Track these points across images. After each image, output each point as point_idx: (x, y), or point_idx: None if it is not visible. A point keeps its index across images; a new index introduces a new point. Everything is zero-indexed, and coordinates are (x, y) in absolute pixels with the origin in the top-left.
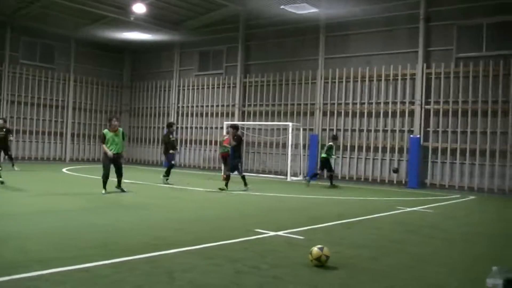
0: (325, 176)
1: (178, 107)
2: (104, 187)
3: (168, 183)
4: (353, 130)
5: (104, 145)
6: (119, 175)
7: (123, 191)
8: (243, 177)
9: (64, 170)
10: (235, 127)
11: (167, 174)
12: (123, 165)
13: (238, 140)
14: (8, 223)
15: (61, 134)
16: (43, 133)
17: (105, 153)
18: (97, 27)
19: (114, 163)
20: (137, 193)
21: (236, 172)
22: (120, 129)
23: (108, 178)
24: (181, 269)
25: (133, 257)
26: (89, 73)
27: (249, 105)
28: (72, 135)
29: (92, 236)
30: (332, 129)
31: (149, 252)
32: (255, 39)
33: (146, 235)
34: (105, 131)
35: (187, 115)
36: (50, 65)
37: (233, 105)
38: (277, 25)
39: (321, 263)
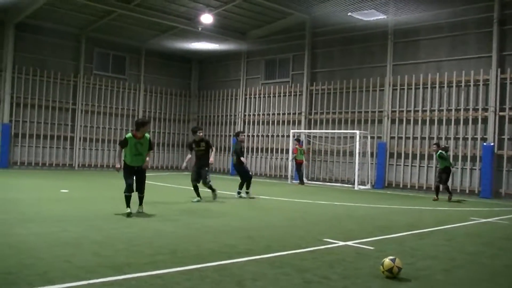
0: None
1: (244, 116)
2: (128, 205)
3: (251, 196)
4: (423, 138)
5: (119, 150)
6: (141, 192)
7: (140, 211)
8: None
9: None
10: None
11: (248, 187)
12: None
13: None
14: (79, 229)
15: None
16: (115, 141)
17: (119, 165)
18: (166, 38)
19: (137, 176)
20: (204, 200)
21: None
22: (147, 135)
23: (131, 193)
24: (250, 277)
25: (203, 264)
26: (158, 82)
27: (316, 113)
28: None
29: (160, 242)
30: (401, 137)
31: (219, 260)
32: (322, 46)
33: (214, 242)
34: (129, 135)
35: (253, 123)
36: (122, 75)
37: (300, 113)
38: (343, 32)
39: (393, 274)
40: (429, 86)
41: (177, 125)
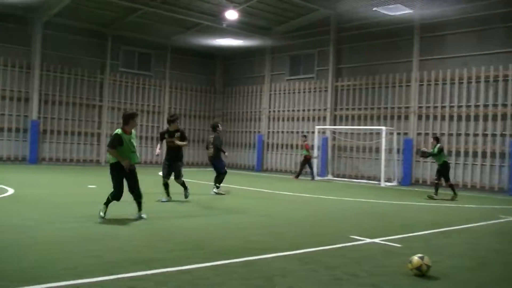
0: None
1: (269, 112)
2: (107, 208)
3: (220, 193)
4: (450, 134)
5: (114, 152)
6: (138, 195)
7: (141, 217)
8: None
9: (160, 173)
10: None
11: (220, 182)
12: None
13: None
14: (105, 224)
15: (158, 139)
16: (141, 137)
17: (117, 165)
18: (190, 34)
19: (128, 178)
20: (230, 196)
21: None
22: (133, 131)
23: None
24: (279, 274)
25: (231, 260)
26: (183, 79)
27: (341, 109)
28: None
29: (188, 238)
30: (428, 133)
31: (246, 256)
32: (347, 42)
33: (241, 238)
34: (119, 131)
35: (278, 120)
36: (147, 72)
37: (325, 109)
38: (369, 27)
39: (421, 272)
40: (456, 81)
41: (201, 121)
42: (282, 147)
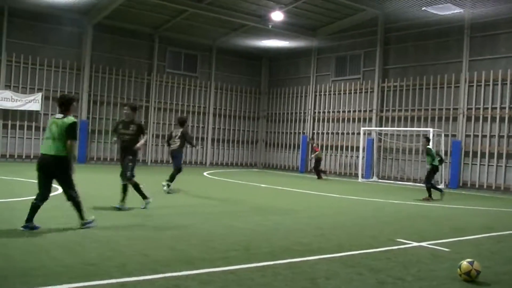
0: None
1: (314, 113)
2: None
3: (168, 190)
4: (501, 136)
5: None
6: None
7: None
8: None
9: (205, 173)
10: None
11: (173, 179)
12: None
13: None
14: (154, 223)
15: (202, 139)
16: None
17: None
18: (236, 35)
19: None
20: (276, 198)
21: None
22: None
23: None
24: (323, 276)
25: (275, 261)
26: (229, 80)
27: (387, 110)
28: (213, 140)
29: (233, 239)
30: (477, 135)
31: (291, 258)
32: (394, 42)
33: (286, 239)
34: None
35: (323, 121)
36: (193, 73)
37: (371, 111)
38: (417, 27)
39: (471, 278)
40: (508, 82)
41: (246, 122)
42: (326, 148)
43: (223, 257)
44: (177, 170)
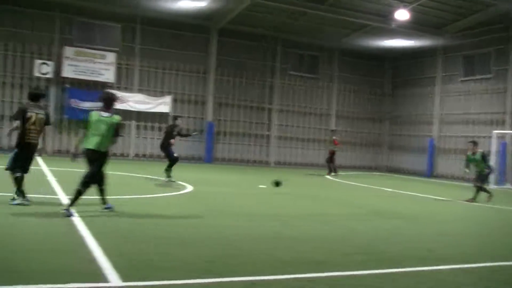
0: None
1: (441, 115)
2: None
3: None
4: None
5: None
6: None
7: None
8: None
9: (327, 175)
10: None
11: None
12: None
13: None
14: (274, 224)
15: (325, 141)
16: (309, 140)
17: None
18: (358, 36)
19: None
20: (398, 202)
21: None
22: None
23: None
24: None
25: (397, 269)
26: (351, 81)
27: None
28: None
29: (354, 242)
30: None
31: (414, 266)
32: None
33: (409, 246)
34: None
35: (451, 124)
36: (315, 75)
37: (503, 113)
38: None
39: None
40: None
41: (370, 124)
42: (455, 152)
43: (348, 261)
44: (174, 160)
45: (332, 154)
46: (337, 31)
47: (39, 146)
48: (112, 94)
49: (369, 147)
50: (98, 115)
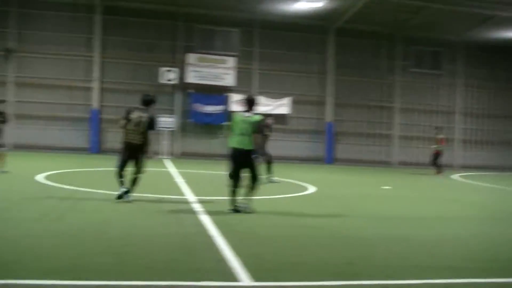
0: None
1: None
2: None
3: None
4: None
5: None
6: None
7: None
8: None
9: (453, 176)
10: None
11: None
12: None
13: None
14: (406, 226)
15: (452, 140)
16: (429, 139)
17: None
18: (485, 28)
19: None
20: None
21: None
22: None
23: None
24: None
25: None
26: (478, 76)
27: None
28: (463, 141)
29: (492, 248)
30: None
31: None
32: None
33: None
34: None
35: None
36: (437, 71)
37: None
38: None
39: None
40: None
41: (499, 121)
42: None
43: (486, 267)
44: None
45: (437, 153)
46: (460, 24)
47: (150, 149)
48: (254, 97)
49: (498, 145)
50: (241, 116)
